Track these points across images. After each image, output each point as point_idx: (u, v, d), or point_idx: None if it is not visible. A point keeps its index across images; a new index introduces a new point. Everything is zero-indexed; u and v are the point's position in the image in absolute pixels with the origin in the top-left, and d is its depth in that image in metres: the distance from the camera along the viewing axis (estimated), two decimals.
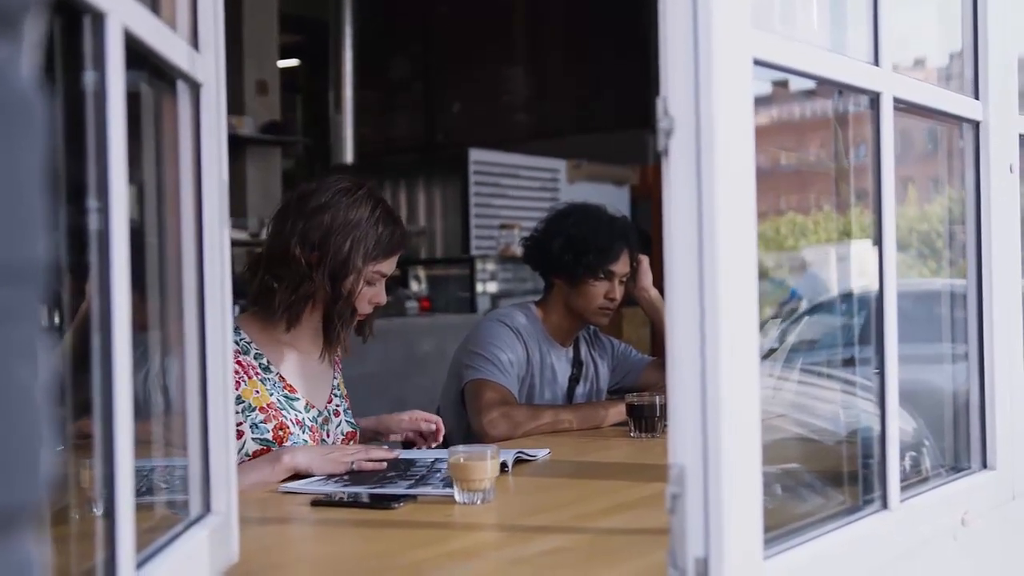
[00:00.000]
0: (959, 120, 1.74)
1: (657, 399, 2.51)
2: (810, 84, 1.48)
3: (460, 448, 1.83)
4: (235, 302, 2.36)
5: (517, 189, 8.29)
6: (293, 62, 9.72)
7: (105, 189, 0.93)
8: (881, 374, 1.45)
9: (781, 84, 1.41)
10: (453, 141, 9.29)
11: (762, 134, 1.22)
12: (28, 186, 0.59)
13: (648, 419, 2.51)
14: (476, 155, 8.10)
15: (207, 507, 1.31)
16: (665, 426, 1.11)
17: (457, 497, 1.77)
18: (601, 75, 8.86)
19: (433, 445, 2.36)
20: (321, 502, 1.82)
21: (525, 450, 2.22)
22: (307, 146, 8.22)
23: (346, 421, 2.34)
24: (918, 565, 1.55)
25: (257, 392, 2.15)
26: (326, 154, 8.31)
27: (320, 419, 2.26)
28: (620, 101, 8.61)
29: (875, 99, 1.45)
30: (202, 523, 1.27)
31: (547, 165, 8.41)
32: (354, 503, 1.80)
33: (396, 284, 6.93)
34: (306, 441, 2.18)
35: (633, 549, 1.51)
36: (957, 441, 1.80)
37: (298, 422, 2.19)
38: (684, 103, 1.09)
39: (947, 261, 1.91)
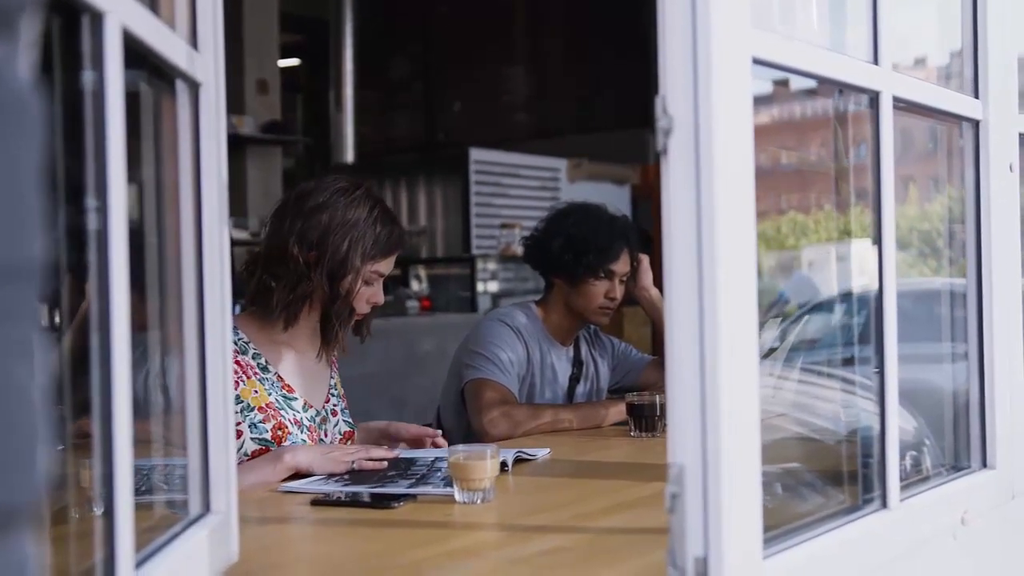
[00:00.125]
0: (959, 119, 1.74)
1: (657, 398, 2.51)
2: (811, 83, 1.48)
3: (460, 447, 1.83)
4: (235, 301, 2.36)
5: (518, 188, 8.29)
6: (294, 61, 9.72)
7: (104, 189, 0.93)
8: (881, 373, 1.45)
9: (781, 83, 1.41)
10: (453, 140, 9.29)
11: (763, 133, 1.22)
12: (25, 185, 0.59)
13: (648, 418, 2.51)
14: (476, 154, 8.10)
15: (207, 506, 1.31)
16: (665, 425, 1.11)
17: (457, 496, 1.77)
18: (601, 74, 8.86)
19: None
20: (321, 501, 1.82)
21: (525, 449, 2.22)
22: (307, 145, 8.22)
23: (343, 421, 2.34)
24: (918, 565, 1.55)
25: (256, 392, 2.15)
26: (326, 154, 8.31)
27: (318, 419, 2.26)
28: (620, 100, 8.61)
29: (874, 98, 1.45)
30: (202, 522, 1.27)
31: (548, 164, 8.41)
32: (354, 503, 1.80)
33: (397, 283, 6.93)
34: (304, 441, 2.18)
35: (633, 549, 1.51)
36: (957, 440, 1.79)
37: (296, 422, 2.19)
38: (683, 102, 1.09)
39: (947, 260, 1.91)
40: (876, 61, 1.45)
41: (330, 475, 2.01)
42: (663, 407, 2.46)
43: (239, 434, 2.09)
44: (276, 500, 1.88)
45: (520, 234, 6.69)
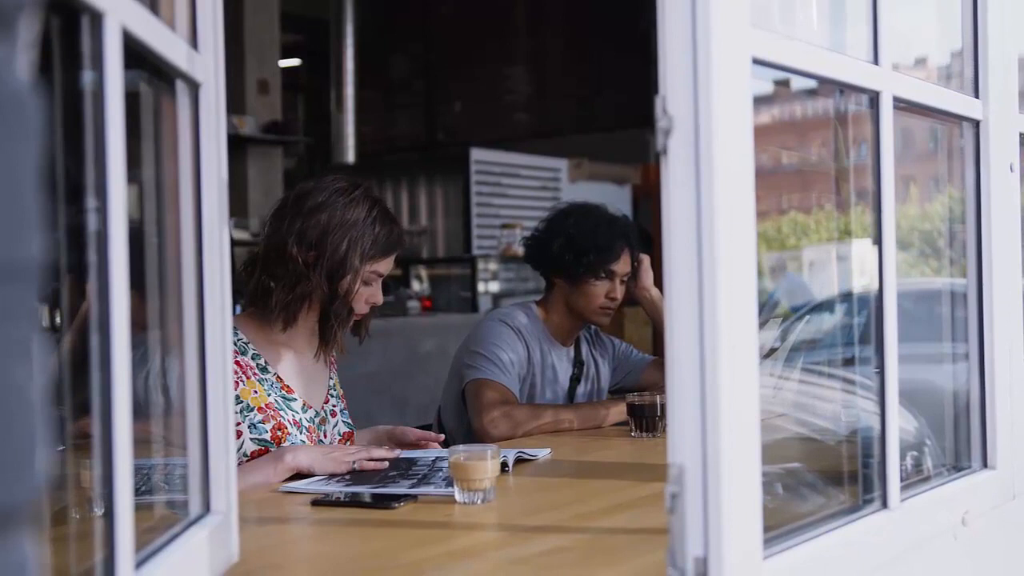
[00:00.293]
0: (959, 119, 1.74)
1: (658, 399, 2.51)
2: (812, 83, 1.48)
3: (460, 448, 1.83)
4: (235, 302, 2.36)
5: (518, 188, 8.30)
6: (294, 61, 9.72)
7: (104, 189, 0.93)
8: (881, 373, 1.45)
9: (782, 83, 1.41)
10: (454, 140, 9.29)
11: (764, 133, 1.22)
12: (23, 186, 0.59)
13: (649, 419, 2.51)
14: (477, 154, 8.10)
15: (207, 507, 1.31)
16: (666, 426, 1.11)
17: (458, 497, 1.77)
18: (602, 74, 8.86)
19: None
20: (321, 502, 1.82)
21: (525, 450, 2.22)
22: (308, 145, 8.23)
23: (343, 421, 2.34)
24: (918, 565, 1.55)
25: (255, 392, 2.15)
26: (327, 153, 8.31)
27: (317, 419, 2.26)
28: (621, 100, 8.62)
29: (874, 98, 1.45)
30: (202, 523, 1.27)
31: (548, 164, 8.41)
32: (354, 503, 1.80)
33: (398, 284, 6.93)
34: (303, 441, 2.18)
35: (633, 549, 1.51)
36: (957, 440, 1.79)
37: (295, 422, 2.19)
38: (683, 102, 1.09)
39: (948, 260, 1.91)
40: (876, 61, 1.45)
41: (331, 475, 2.01)
42: (664, 407, 2.46)
43: (238, 434, 2.09)
44: (276, 500, 1.88)
45: (521, 234, 6.70)
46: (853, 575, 1.38)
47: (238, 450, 2.08)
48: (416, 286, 7.45)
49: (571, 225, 2.85)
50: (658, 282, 2.91)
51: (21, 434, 0.59)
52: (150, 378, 1.32)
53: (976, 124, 1.74)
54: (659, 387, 2.71)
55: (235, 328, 2.17)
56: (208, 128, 1.29)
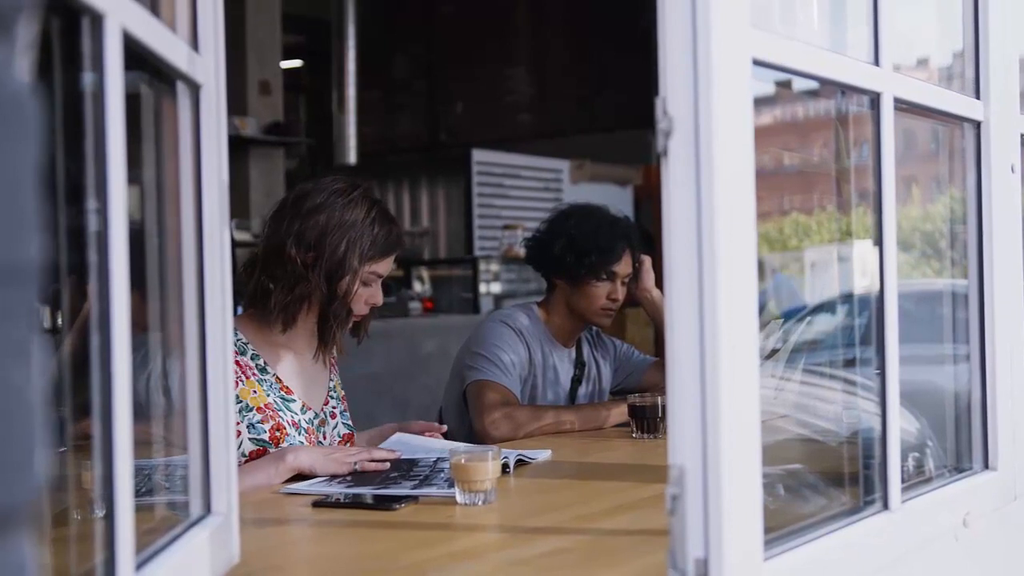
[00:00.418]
0: (960, 120, 1.74)
1: (659, 400, 2.51)
2: (813, 84, 1.48)
3: (461, 448, 1.83)
4: (236, 303, 2.36)
5: (520, 189, 8.30)
6: (296, 62, 9.73)
7: (104, 190, 0.93)
8: (882, 375, 1.45)
9: (784, 84, 1.41)
10: (456, 141, 9.29)
11: (765, 134, 1.22)
12: (22, 187, 0.59)
13: (650, 420, 2.51)
14: (479, 155, 8.11)
15: (207, 508, 1.31)
16: (667, 427, 1.11)
17: (459, 498, 1.77)
18: (603, 75, 8.85)
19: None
20: (322, 503, 1.82)
21: (525, 452, 2.22)
22: (310, 146, 8.23)
23: (343, 423, 2.34)
24: (919, 566, 1.55)
25: (255, 392, 2.15)
26: (329, 154, 8.32)
27: (316, 421, 2.25)
28: (623, 101, 8.61)
29: (875, 99, 1.45)
30: (202, 524, 1.27)
31: (550, 165, 8.42)
32: (355, 504, 1.80)
33: (399, 285, 6.93)
34: (302, 443, 2.18)
35: (634, 550, 1.51)
36: (959, 442, 1.79)
37: (294, 424, 2.19)
38: (683, 103, 1.09)
39: (950, 261, 1.91)
40: (877, 62, 1.45)
41: (332, 476, 2.01)
42: (665, 408, 2.46)
43: (237, 434, 2.09)
44: (277, 502, 1.88)
45: (522, 235, 6.69)
46: None
47: (236, 449, 2.08)
48: (417, 287, 7.45)
49: (572, 226, 2.85)
50: (659, 283, 2.91)
51: (20, 435, 0.59)
52: (151, 380, 1.32)
53: (977, 125, 1.74)
54: (660, 388, 2.71)
55: (235, 329, 2.18)
56: (209, 129, 1.29)
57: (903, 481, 1.47)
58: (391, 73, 9.88)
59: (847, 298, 1.80)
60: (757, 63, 1.17)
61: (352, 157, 8.24)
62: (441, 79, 9.80)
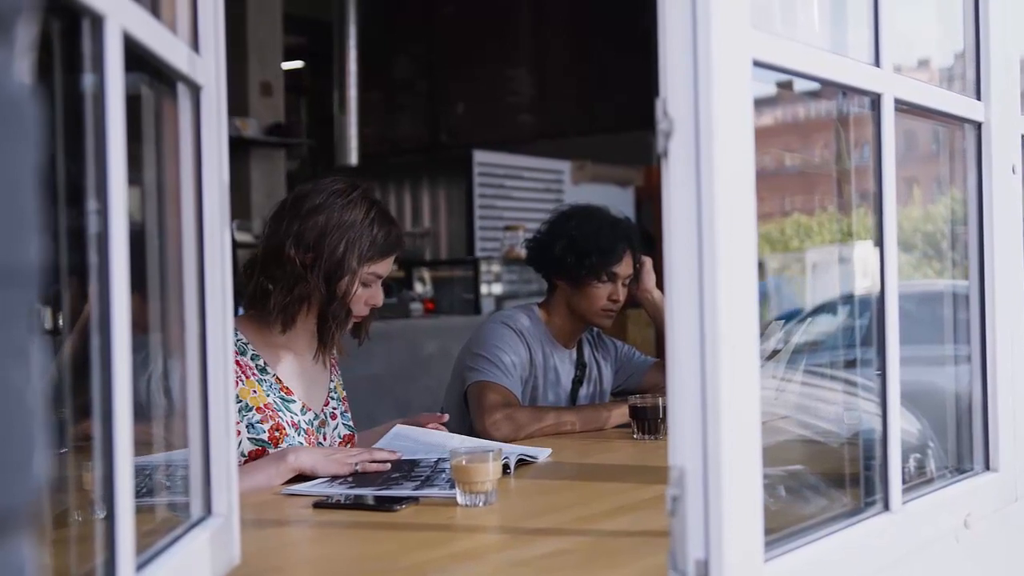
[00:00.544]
0: (961, 121, 1.74)
1: (660, 401, 2.50)
2: (814, 85, 1.48)
3: (462, 449, 1.83)
4: (237, 304, 2.36)
5: (521, 190, 8.30)
6: (297, 63, 9.73)
7: (105, 192, 0.93)
8: (883, 376, 1.45)
9: (785, 85, 1.41)
10: (457, 142, 9.28)
11: (767, 135, 1.22)
12: (22, 188, 0.59)
13: (651, 421, 2.51)
14: (480, 156, 8.11)
15: (208, 509, 1.31)
16: (667, 428, 1.11)
17: (459, 499, 1.77)
18: (605, 76, 8.85)
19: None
20: (323, 504, 1.82)
21: (526, 452, 2.22)
22: (311, 147, 8.23)
23: (343, 424, 2.34)
24: (920, 568, 1.55)
25: (254, 392, 2.15)
26: (330, 155, 8.32)
27: (316, 422, 2.25)
28: (624, 102, 8.60)
29: (876, 100, 1.45)
30: (203, 525, 1.27)
31: (551, 166, 8.42)
32: (355, 505, 1.80)
33: (400, 285, 6.93)
34: (301, 443, 2.18)
35: (635, 551, 1.51)
36: (960, 443, 1.79)
37: (294, 424, 2.19)
38: (683, 105, 1.09)
39: (951, 262, 1.91)
40: (878, 63, 1.45)
41: (333, 477, 2.00)
42: (665, 409, 2.46)
43: (236, 434, 2.08)
44: (278, 503, 1.88)
45: (524, 236, 6.70)
46: None
47: (236, 449, 2.08)
48: (419, 288, 7.45)
49: (573, 227, 2.85)
50: (660, 284, 2.91)
51: (20, 437, 0.59)
52: (152, 381, 1.32)
53: (978, 126, 1.74)
54: (661, 389, 2.71)
55: (235, 329, 2.18)
56: (209, 131, 1.29)
57: (904, 482, 1.47)
58: (392, 74, 9.88)
59: (848, 299, 1.80)
60: (757, 64, 1.17)
61: (353, 158, 8.24)
62: (442, 80, 9.80)
